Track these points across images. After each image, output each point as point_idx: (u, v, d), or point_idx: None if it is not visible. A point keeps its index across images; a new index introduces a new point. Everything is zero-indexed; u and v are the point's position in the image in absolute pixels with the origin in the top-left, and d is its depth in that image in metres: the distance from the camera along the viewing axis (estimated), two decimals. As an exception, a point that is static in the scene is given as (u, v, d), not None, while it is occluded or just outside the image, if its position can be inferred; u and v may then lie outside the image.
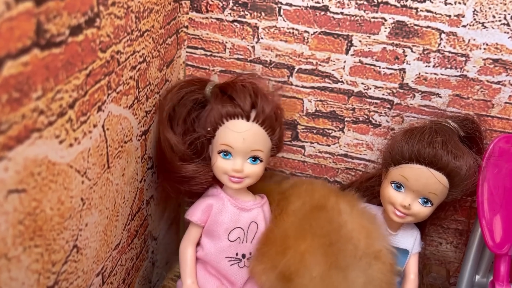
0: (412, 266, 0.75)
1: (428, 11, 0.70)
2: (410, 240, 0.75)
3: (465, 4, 0.69)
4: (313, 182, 0.78)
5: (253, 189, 0.73)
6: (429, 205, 0.69)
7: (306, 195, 0.71)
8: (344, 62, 0.76)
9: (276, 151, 0.71)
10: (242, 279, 0.71)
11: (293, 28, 0.75)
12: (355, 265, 0.67)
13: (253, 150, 0.65)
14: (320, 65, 0.77)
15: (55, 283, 0.49)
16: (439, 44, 0.72)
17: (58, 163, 0.45)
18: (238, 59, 0.79)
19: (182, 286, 0.70)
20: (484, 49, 0.71)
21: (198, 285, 0.70)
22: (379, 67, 0.75)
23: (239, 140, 0.65)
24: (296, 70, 0.78)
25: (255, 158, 0.66)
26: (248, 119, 0.65)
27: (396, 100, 0.77)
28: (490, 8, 0.68)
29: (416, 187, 0.67)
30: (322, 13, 0.73)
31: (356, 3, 0.71)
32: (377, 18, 0.72)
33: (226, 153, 0.66)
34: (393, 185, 0.70)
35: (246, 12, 0.75)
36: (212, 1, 0.76)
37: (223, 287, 0.71)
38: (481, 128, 0.74)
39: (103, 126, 0.54)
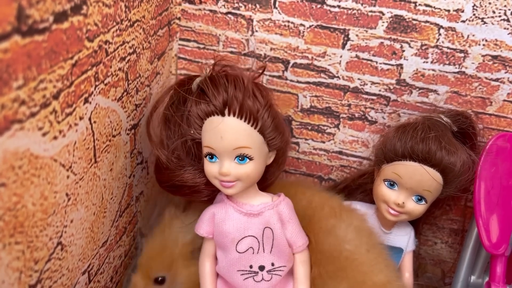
0: (406, 265, 0.74)
1: (427, 5, 0.68)
2: (404, 238, 0.74)
3: (464, -2, 0.67)
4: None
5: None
6: (423, 202, 0.67)
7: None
8: (341, 56, 0.74)
9: (277, 143, 0.60)
10: None
11: (288, 21, 0.73)
12: (337, 223, 0.66)
13: (237, 148, 0.57)
14: (315, 59, 0.75)
15: (38, 282, 0.47)
16: (438, 40, 0.70)
17: (41, 157, 0.43)
18: (231, 52, 0.77)
19: None
20: (483, 45, 0.70)
21: None
22: (376, 62, 0.73)
23: (217, 139, 0.57)
24: (291, 64, 0.76)
25: (242, 157, 0.58)
26: (223, 114, 0.57)
27: (392, 97, 0.75)
28: (490, 3, 0.67)
29: (410, 184, 0.66)
30: (319, 6, 0.71)
31: (353, -4, 0.70)
32: (374, 12, 0.70)
33: (211, 156, 0.58)
34: (386, 183, 0.68)
35: (240, 4, 0.73)
36: (206, -7, 0.74)
37: None
38: (474, 122, 0.72)
39: (90, 119, 0.52)
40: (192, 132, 0.59)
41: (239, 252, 0.61)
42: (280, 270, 0.62)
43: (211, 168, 0.59)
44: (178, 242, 0.71)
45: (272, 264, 0.62)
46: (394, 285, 0.63)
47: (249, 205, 0.62)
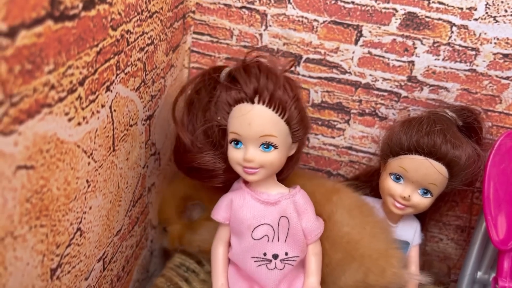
0: (413, 258, 0.74)
1: (440, 3, 0.69)
2: (410, 232, 0.74)
3: (477, -3, 0.68)
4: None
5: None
6: (429, 196, 0.68)
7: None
8: (353, 52, 0.75)
9: (299, 135, 0.61)
10: (273, 282, 0.63)
11: (302, 17, 0.74)
12: (333, 208, 0.68)
13: (263, 135, 0.58)
14: (328, 55, 0.76)
15: (58, 266, 0.48)
16: (450, 37, 0.71)
17: (66, 142, 0.44)
18: (245, 46, 0.78)
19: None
20: (495, 43, 0.70)
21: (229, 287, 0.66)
22: (388, 58, 0.74)
23: (245, 125, 0.58)
24: (303, 59, 0.77)
25: (267, 145, 0.59)
26: (252, 101, 0.58)
27: (403, 93, 0.76)
28: (502, 2, 0.68)
29: (416, 178, 0.67)
30: (333, 1, 0.72)
31: (367, -7, 0.71)
32: (388, 8, 0.71)
33: (236, 142, 0.59)
34: (392, 176, 0.69)
35: (255, -1, 0.74)
36: (221, -13, 0.75)
37: None
38: (479, 117, 0.73)
39: (110, 107, 0.52)
40: (219, 118, 0.60)
41: (254, 239, 0.62)
42: (293, 260, 0.63)
43: (235, 154, 0.60)
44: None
45: (286, 254, 0.63)
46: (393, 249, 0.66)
47: (266, 194, 0.63)
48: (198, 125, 0.63)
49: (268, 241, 0.62)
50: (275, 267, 0.63)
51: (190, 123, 0.64)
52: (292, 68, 0.78)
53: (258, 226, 0.62)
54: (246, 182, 0.65)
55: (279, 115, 0.58)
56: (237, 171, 0.61)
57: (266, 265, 0.63)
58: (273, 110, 0.58)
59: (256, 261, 0.63)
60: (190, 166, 0.65)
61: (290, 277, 0.65)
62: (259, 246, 0.62)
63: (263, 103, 0.58)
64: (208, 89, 0.64)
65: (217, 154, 0.63)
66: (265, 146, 0.59)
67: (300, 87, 0.66)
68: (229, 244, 0.66)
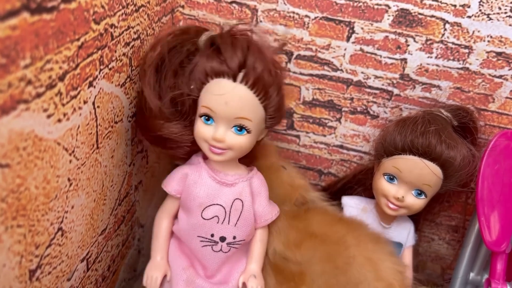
0: (406, 259, 0.74)
1: (433, -1, 0.68)
2: (404, 233, 0.73)
3: (471, -6, 0.67)
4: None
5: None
6: (423, 197, 0.67)
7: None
8: (345, 49, 0.73)
9: (273, 123, 0.58)
10: (215, 264, 0.62)
11: (293, 12, 0.72)
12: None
13: (238, 117, 0.54)
14: (319, 52, 0.74)
15: (38, 267, 0.46)
16: (443, 35, 0.70)
17: (45, 139, 0.42)
18: (235, 42, 0.76)
19: (150, 262, 0.63)
20: (488, 41, 0.69)
21: (168, 262, 0.63)
22: (380, 56, 0.73)
23: (221, 103, 0.53)
24: (294, 56, 0.75)
25: (241, 128, 0.55)
26: (234, 79, 0.53)
27: (395, 91, 0.75)
28: (496, 0, 0.67)
29: (410, 178, 0.66)
30: (324, -3, 0.70)
31: (360, -11, 0.69)
32: (380, 5, 0.69)
33: (207, 118, 0.55)
34: (386, 177, 0.68)
35: (245, -6, 0.73)
36: (210, -19, 0.73)
37: (191, 269, 0.62)
38: (475, 117, 0.72)
39: (93, 103, 0.51)
40: (192, 87, 0.55)
41: (204, 219, 0.60)
42: (239, 244, 0.62)
43: (204, 130, 0.56)
44: None
45: (234, 237, 0.61)
46: None
47: (224, 173, 0.60)
48: (165, 89, 0.57)
49: (218, 222, 0.60)
50: (221, 249, 0.61)
51: (157, 83, 0.58)
52: (283, 65, 0.76)
53: (209, 205, 0.59)
54: (205, 158, 0.62)
55: (259, 99, 0.54)
56: (202, 147, 0.58)
57: (212, 247, 0.61)
58: (255, 93, 0.54)
59: (202, 241, 0.61)
60: (157, 135, 0.59)
61: (233, 260, 0.64)
62: (207, 226, 0.60)
63: (246, 83, 0.53)
64: (183, 51, 0.58)
65: (186, 125, 0.59)
66: (238, 128, 0.55)
67: (286, 71, 0.64)
68: (175, 217, 0.64)
